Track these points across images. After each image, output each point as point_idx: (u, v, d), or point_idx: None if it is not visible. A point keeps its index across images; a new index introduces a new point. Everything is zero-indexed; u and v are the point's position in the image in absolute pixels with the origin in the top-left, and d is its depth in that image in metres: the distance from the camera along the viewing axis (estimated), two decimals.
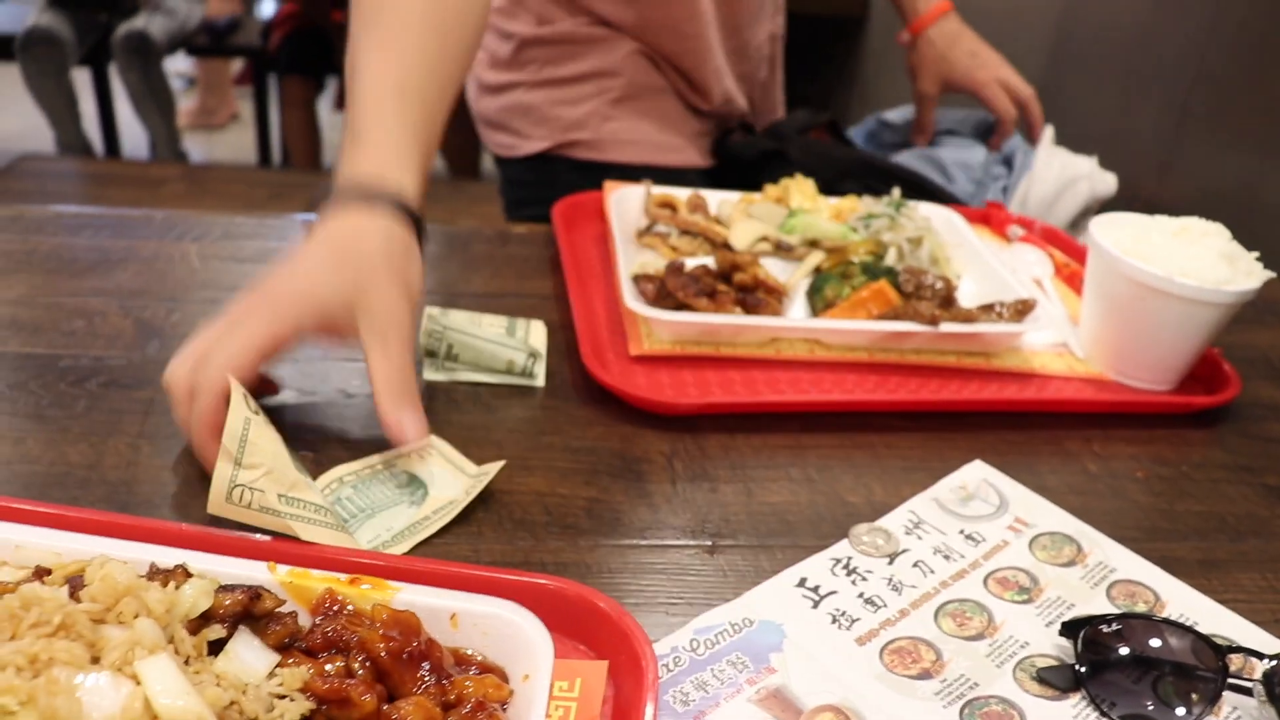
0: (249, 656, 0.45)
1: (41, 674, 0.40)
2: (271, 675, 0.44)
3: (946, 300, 0.89)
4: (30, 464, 0.67)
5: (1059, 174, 1.33)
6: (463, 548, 0.63)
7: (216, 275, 0.93)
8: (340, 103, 3.91)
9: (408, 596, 0.50)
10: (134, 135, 3.73)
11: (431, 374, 0.80)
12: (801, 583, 0.63)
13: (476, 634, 0.50)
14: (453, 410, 0.77)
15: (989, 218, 1.16)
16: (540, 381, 0.81)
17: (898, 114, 1.53)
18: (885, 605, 0.62)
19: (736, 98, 1.33)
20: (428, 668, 0.48)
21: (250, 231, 1.03)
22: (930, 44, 1.40)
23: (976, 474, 0.75)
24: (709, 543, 0.67)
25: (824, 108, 1.45)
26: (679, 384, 0.80)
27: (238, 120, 4.43)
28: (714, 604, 0.61)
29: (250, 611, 0.47)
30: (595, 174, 1.09)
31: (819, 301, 0.90)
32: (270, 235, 1.03)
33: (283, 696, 0.43)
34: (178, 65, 4.09)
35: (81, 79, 3.46)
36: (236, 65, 4.59)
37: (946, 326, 0.85)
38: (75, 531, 0.52)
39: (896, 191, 1.08)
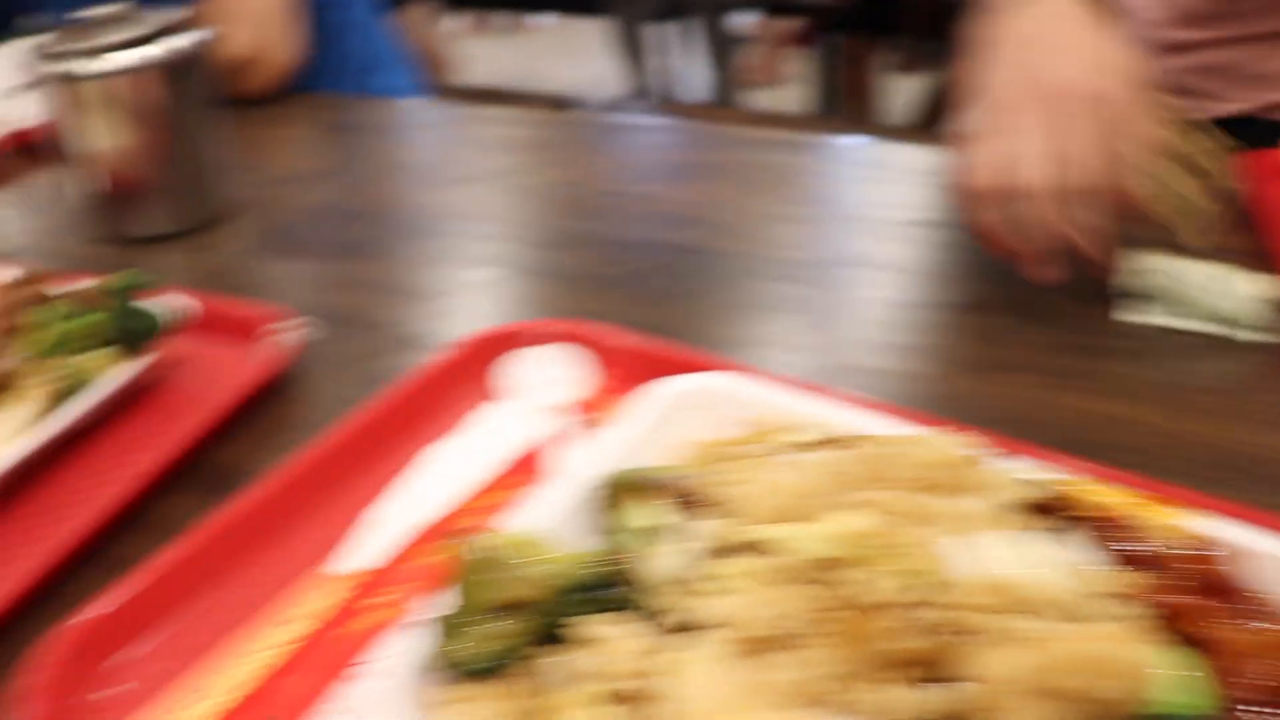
0: (1069, 553, 0.45)
1: (899, 529, 0.44)
2: (1101, 576, 0.44)
3: None
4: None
5: None
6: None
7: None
8: (905, 66, 3.85)
9: (1203, 527, 0.48)
10: (697, 87, 4.02)
11: (1139, 316, 0.78)
12: None
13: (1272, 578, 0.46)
14: (1157, 356, 0.75)
15: None
16: (1258, 335, 0.76)
17: None
18: None
19: None
20: (1229, 604, 0.45)
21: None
22: None
23: None
24: None
25: None
26: None
27: (794, 78, 4.57)
28: None
29: (1056, 511, 0.47)
30: None
31: None
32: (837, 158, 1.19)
33: (1111, 598, 0.43)
34: (740, 21, 4.32)
35: (655, 32, 3.80)
36: (794, 24, 4.74)
37: None
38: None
39: None
